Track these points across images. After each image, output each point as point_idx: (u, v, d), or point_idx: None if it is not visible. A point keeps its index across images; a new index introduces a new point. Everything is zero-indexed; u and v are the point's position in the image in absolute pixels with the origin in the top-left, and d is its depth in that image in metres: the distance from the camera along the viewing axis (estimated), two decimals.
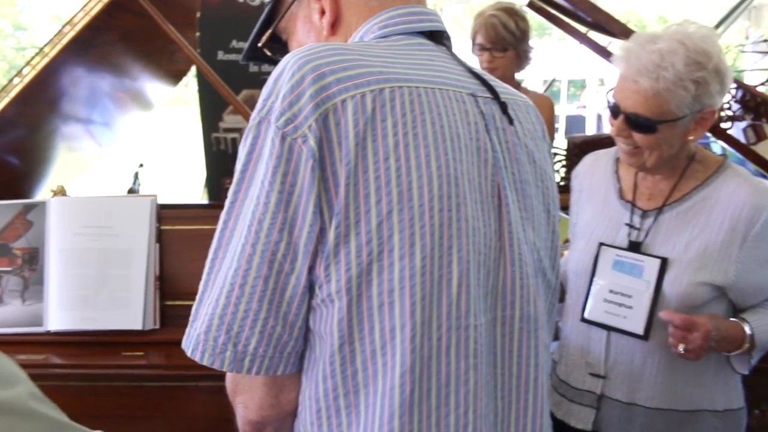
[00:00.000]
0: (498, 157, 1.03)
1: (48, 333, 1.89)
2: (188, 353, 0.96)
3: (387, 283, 0.92)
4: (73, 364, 1.81)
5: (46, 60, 2.16)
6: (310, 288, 0.94)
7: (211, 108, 2.87)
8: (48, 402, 1.11)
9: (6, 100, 2.18)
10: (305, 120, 0.91)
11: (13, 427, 1.05)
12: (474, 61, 2.87)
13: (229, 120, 2.87)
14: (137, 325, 1.85)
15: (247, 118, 2.29)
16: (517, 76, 3.02)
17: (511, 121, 1.06)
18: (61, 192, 2.05)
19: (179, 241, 1.95)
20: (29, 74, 2.18)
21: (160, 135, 14.10)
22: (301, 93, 0.92)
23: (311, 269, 0.92)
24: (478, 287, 0.98)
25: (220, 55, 2.85)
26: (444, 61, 1.06)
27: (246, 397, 1.01)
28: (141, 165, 3.27)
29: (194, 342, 0.95)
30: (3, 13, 25.51)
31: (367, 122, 0.92)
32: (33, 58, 2.18)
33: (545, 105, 2.94)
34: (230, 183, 0.96)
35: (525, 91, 2.97)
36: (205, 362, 0.95)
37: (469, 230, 0.97)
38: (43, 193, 2.77)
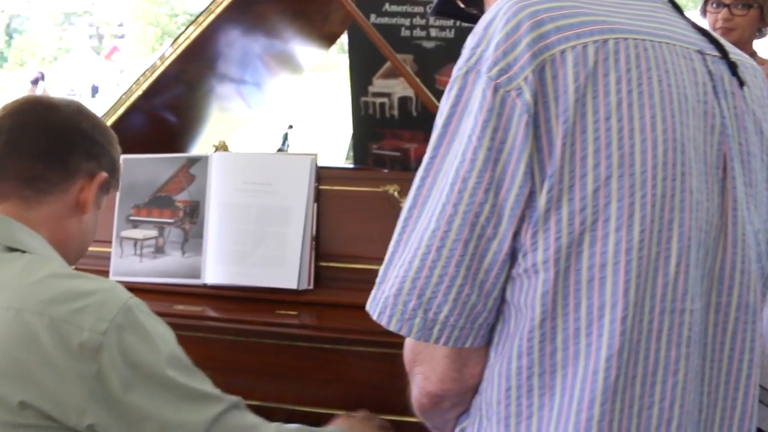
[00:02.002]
0: (726, 123, 0.92)
1: (205, 286, 1.92)
2: (374, 317, 0.91)
3: (600, 256, 0.83)
4: (228, 318, 1.83)
5: (212, 17, 2.18)
6: (512, 256, 0.86)
7: (362, 72, 2.83)
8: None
9: (173, 57, 2.22)
10: (521, 71, 0.83)
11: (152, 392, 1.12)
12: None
13: (379, 84, 2.83)
14: (292, 284, 1.84)
15: (407, 77, 2.21)
16: None
17: (741, 84, 0.95)
18: (223, 147, 2.07)
19: (335, 202, 1.92)
20: (195, 32, 2.21)
21: (304, 99, 14.46)
22: (516, 41, 0.83)
23: (515, 235, 0.85)
24: (697, 268, 0.88)
25: (373, 18, 2.80)
26: (667, 14, 0.95)
27: (427, 368, 0.95)
28: (290, 126, 3.30)
29: (381, 305, 0.90)
30: None
31: (588, 76, 0.83)
32: (199, 16, 2.21)
33: None
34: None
35: (761, 61, 2.52)
36: (392, 327, 0.89)
37: (692, 203, 0.86)
38: (198, 149, 2.84)
